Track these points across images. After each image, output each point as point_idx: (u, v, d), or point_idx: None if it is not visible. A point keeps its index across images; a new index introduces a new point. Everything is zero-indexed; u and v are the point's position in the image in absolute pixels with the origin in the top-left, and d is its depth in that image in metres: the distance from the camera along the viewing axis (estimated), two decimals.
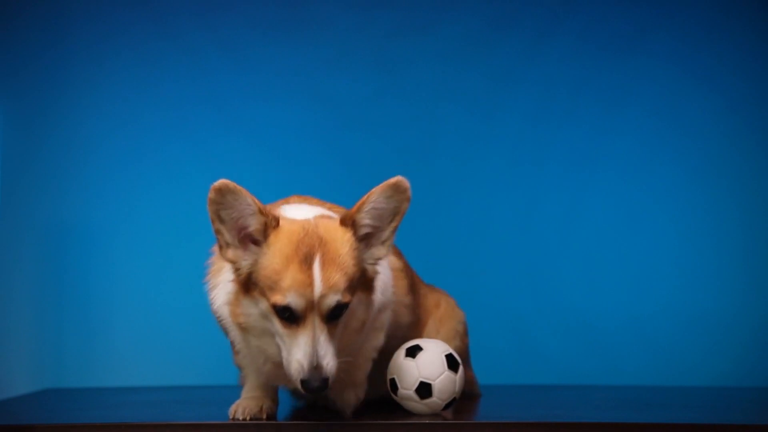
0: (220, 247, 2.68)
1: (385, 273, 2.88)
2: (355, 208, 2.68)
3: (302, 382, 2.56)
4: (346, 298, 2.62)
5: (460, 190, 4.38)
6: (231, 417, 2.80)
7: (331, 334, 2.61)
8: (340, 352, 2.65)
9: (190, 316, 4.13)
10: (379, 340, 2.93)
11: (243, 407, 2.80)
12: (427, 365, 2.85)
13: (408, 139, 4.39)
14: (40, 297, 4.30)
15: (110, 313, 4.30)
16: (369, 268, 2.72)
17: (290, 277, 2.59)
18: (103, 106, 4.38)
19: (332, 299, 2.59)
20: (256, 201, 2.63)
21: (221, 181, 2.60)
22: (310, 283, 2.58)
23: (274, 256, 2.61)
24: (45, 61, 4.37)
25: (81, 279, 4.31)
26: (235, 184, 2.60)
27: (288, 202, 2.95)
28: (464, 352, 3.38)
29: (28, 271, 4.31)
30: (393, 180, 2.67)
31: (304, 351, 2.57)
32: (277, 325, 2.61)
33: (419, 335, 3.18)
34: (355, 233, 2.68)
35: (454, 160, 4.39)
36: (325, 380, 2.56)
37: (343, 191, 4.08)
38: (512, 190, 4.37)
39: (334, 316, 2.62)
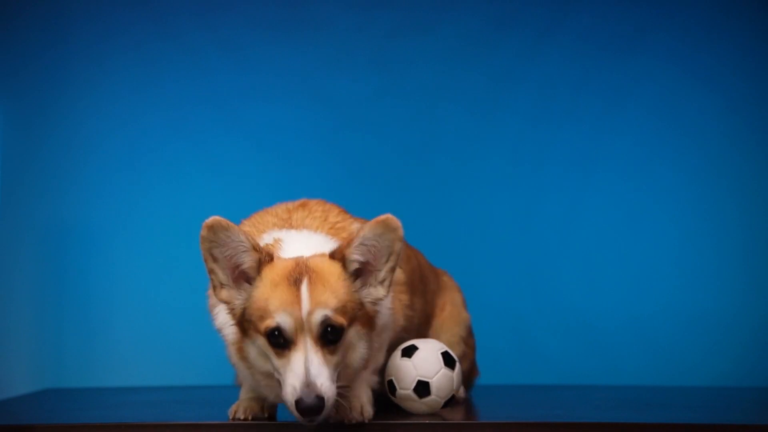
0: (214, 288, 2.65)
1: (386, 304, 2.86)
2: (345, 242, 2.66)
3: (296, 403, 2.48)
4: (339, 320, 2.57)
5: (460, 190, 4.38)
6: (231, 417, 2.80)
7: (327, 360, 2.55)
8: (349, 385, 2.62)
9: (190, 316, 4.12)
10: (378, 361, 2.90)
11: (243, 407, 2.80)
12: (423, 364, 2.85)
13: (408, 139, 4.39)
14: (40, 297, 4.30)
15: (110, 313, 4.30)
16: (368, 306, 2.68)
17: (278, 298, 2.56)
18: (103, 106, 4.38)
19: (320, 314, 2.54)
20: (250, 237, 2.61)
21: (213, 218, 2.56)
22: (298, 302, 2.55)
23: (265, 287, 2.59)
24: (45, 61, 4.37)
25: (81, 279, 4.31)
26: (227, 221, 2.57)
27: (298, 207, 2.94)
28: (470, 356, 3.38)
29: (28, 271, 4.31)
30: (382, 217, 2.63)
31: (295, 372, 2.51)
32: (273, 359, 2.57)
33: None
34: (344, 267, 2.64)
35: (454, 160, 4.39)
36: (321, 399, 2.48)
37: (343, 191, 4.11)
38: (512, 190, 4.37)
39: (327, 340, 2.56)
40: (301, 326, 2.54)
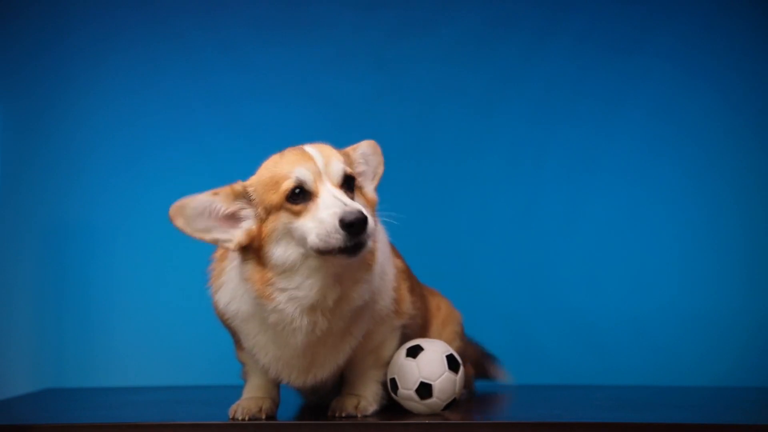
0: (226, 248, 2.68)
1: (389, 278, 2.87)
2: (350, 147, 2.79)
3: (341, 222, 2.44)
4: (352, 171, 2.64)
5: (460, 189, 4.38)
6: (231, 417, 2.80)
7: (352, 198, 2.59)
8: (353, 380, 2.75)
9: (190, 316, 4.13)
10: (385, 355, 2.93)
11: (242, 408, 2.81)
12: (427, 365, 2.85)
13: (408, 139, 4.39)
14: (40, 297, 4.30)
15: (110, 313, 4.30)
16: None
17: (288, 161, 2.61)
18: (103, 106, 4.38)
19: (338, 165, 2.60)
20: (207, 193, 2.66)
21: (170, 209, 2.64)
22: (311, 158, 2.61)
23: (266, 175, 2.64)
24: (45, 61, 4.37)
25: (81, 279, 4.31)
26: (181, 199, 2.64)
27: None
28: (464, 352, 3.38)
29: (28, 271, 4.31)
30: (371, 141, 2.82)
31: (329, 203, 2.49)
32: (295, 220, 2.54)
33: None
34: (348, 163, 2.71)
35: (453, 160, 4.39)
36: (361, 211, 2.46)
37: None
38: (512, 190, 4.37)
39: (346, 186, 2.60)
40: (319, 176, 2.57)
